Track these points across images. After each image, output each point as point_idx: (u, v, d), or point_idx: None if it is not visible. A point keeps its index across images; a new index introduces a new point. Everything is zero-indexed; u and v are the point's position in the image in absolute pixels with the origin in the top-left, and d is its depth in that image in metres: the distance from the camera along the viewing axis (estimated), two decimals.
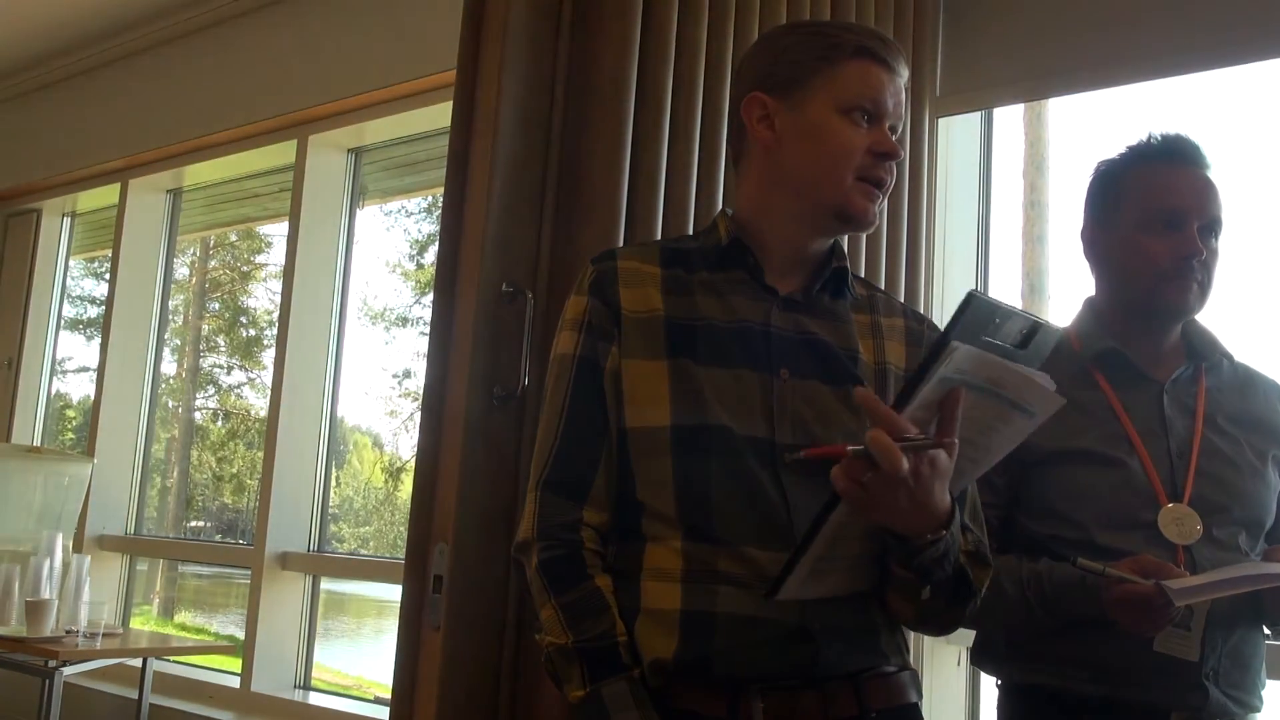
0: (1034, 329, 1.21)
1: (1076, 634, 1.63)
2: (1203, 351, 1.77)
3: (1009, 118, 3.11)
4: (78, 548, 4.31)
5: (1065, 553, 1.60)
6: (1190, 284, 1.70)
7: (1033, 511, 1.70)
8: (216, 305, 5.90)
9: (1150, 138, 1.77)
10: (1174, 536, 1.63)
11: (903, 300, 2.50)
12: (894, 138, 1.44)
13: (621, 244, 1.97)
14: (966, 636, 1.81)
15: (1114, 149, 1.82)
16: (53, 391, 5.34)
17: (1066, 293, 3.27)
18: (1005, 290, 3.04)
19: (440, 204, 2.04)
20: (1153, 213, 1.71)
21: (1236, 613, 1.63)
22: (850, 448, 1.18)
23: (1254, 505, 1.70)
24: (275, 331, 4.04)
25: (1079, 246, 1.85)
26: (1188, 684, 1.60)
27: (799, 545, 1.26)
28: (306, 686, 3.89)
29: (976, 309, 1.17)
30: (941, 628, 1.46)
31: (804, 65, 1.44)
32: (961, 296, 1.18)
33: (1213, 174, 1.75)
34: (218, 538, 5.33)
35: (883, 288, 2.44)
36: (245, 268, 5.91)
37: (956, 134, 2.92)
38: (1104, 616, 1.56)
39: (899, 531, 1.26)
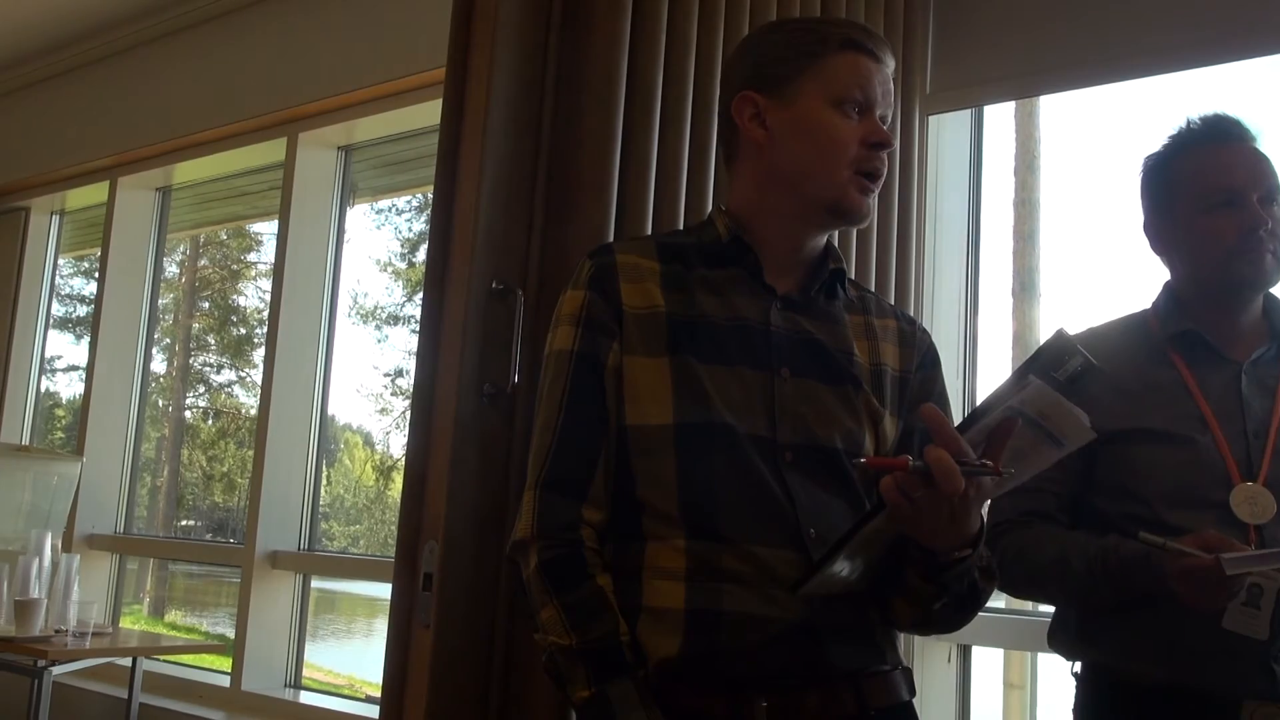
0: (1087, 369, 1.24)
1: (1143, 613, 1.62)
2: None
3: (1000, 115, 3.11)
4: (67, 547, 4.30)
5: (1133, 531, 1.60)
6: (1264, 255, 1.70)
7: (1104, 490, 1.70)
8: (206, 304, 5.89)
9: (1190, 123, 1.79)
10: (1246, 516, 1.61)
11: (893, 297, 2.51)
12: (884, 127, 1.45)
13: (612, 240, 1.97)
14: (958, 634, 1.81)
15: (1155, 143, 1.83)
16: (42, 390, 5.32)
17: (1058, 291, 3.27)
18: (996, 288, 3.04)
19: (431, 202, 2.04)
20: (1209, 193, 1.72)
21: None
22: (912, 463, 1.19)
23: None
24: (265, 330, 4.03)
25: (1144, 241, 1.85)
26: (1255, 666, 1.58)
27: (833, 545, 1.26)
28: (297, 685, 3.88)
29: (1060, 346, 1.20)
30: (938, 631, 1.47)
31: (792, 62, 1.44)
32: (1049, 330, 1.24)
33: (1260, 145, 1.76)
34: (208, 537, 5.31)
35: (873, 285, 2.45)
36: (235, 266, 5.90)
37: (947, 131, 2.92)
38: (1167, 592, 1.55)
39: (929, 545, 1.27)
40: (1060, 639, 1.80)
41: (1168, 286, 1.84)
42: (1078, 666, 1.77)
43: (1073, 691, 1.78)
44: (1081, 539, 1.67)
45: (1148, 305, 1.85)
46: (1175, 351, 1.74)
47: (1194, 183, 1.75)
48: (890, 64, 1.47)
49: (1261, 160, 1.74)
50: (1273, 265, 1.72)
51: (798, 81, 1.43)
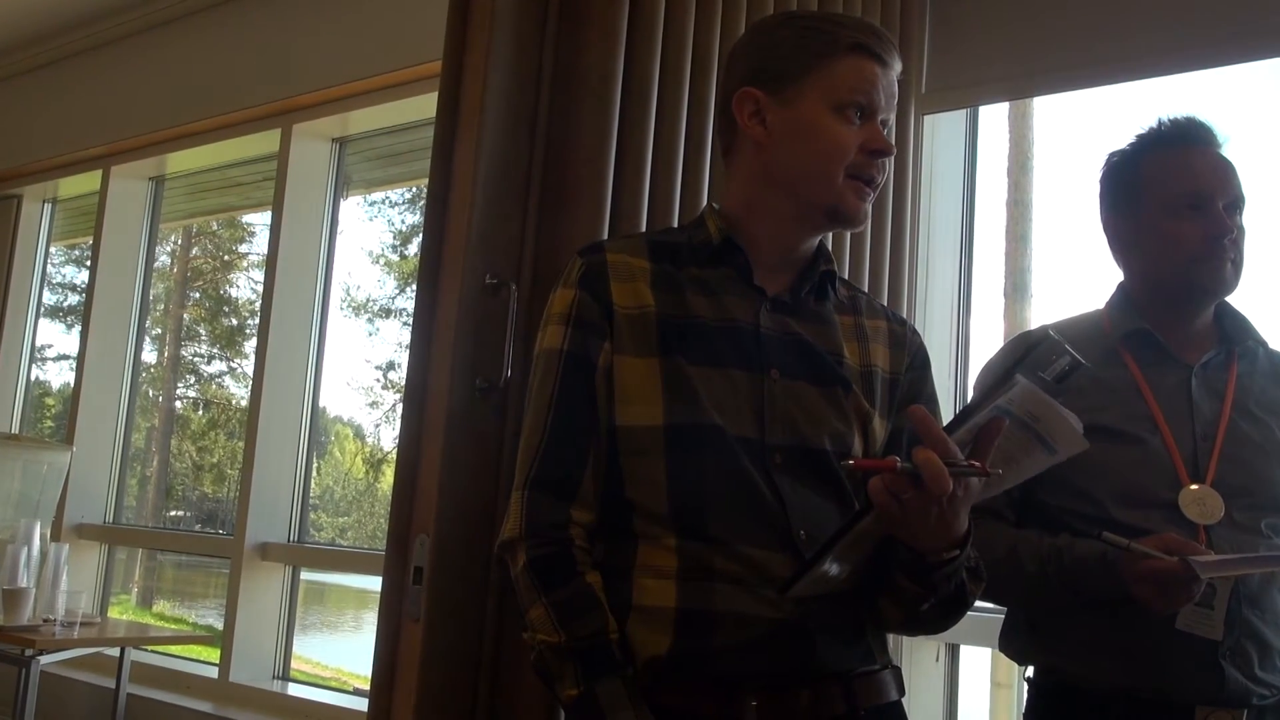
0: (1075, 367, 1.24)
1: (1097, 617, 1.62)
2: (1235, 336, 1.77)
3: (994, 116, 3.11)
4: (56, 536, 4.29)
5: (1082, 528, 1.60)
6: (1224, 263, 1.70)
7: (1050, 486, 1.68)
8: (198, 294, 5.87)
9: (1160, 123, 1.78)
10: (1195, 516, 1.62)
11: (886, 297, 2.52)
12: (886, 132, 1.43)
13: (606, 236, 1.96)
14: (946, 633, 1.81)
15: (1122, 140, 1.82)
16: (32, 379, 5.30)
17: (1049, 292, 3.29)
18: (988, 289, 3.05)
19: (424, 195, 2.04)
20: (1176, 196, 1.71)
21: (1263, 594, 1.62)
22: (900, 464, 1.19)
23: None
24: (257, 321, 4.03)
25: (1103, 238, 1.84)
26: (1209, 668, 1.58)
27: (821, 547, 1.26)
28: (285, 677, 3.88)
29: (1048, 348, 1.20)
30: (926, 632, 1.48)
31: (798, 61, 1.41)
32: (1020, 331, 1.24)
33: (1227, 152, 1.75)
34: (197, 527, 5.30)
35: (866, 284, 2.46)
36: (227, 256, 5.87)
37: (941, 132, 2.93)
38: (1123, 593, 1.55)
39: (917, 547, 1.27)
40: (1012, 642, 1.79)
41: (1122, 286, 1.83)
42: (1030, 671, 1.77)
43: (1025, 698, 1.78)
44: (1032, 538, 1.67)
45: (1100, 305, 1.85)
46: (1127, 351, 1.75)
47: (1160, 184, 1.73)
48: (897, 68, 1.44)
49: (1228, 167, 1.74)
50: (1231, 274, 1.72)
51: (802, 82, 1.40)
